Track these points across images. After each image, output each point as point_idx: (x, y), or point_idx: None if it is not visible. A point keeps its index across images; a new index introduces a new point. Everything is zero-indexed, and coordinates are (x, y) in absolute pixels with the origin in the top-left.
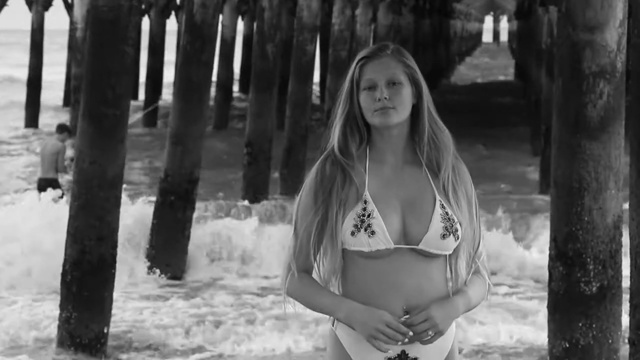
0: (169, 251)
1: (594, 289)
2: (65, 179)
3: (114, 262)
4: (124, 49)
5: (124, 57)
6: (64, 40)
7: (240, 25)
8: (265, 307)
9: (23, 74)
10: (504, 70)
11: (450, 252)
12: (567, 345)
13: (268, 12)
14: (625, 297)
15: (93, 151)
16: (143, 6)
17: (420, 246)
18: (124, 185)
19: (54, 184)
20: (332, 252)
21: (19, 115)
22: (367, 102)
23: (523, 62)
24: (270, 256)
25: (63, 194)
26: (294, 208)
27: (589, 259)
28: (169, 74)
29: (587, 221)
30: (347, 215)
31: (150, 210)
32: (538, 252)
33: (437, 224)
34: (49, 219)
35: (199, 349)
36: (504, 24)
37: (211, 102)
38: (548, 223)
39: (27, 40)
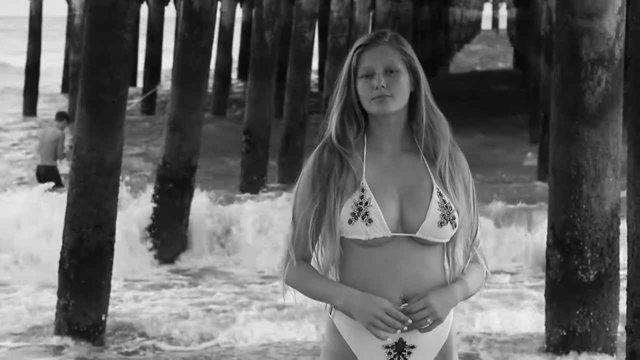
0: (167, 239)
1: (592, 276)
2: (65, 165)
3: (112, 249)
4: (122, 35)
5: (122, 44)
6: (62, 27)
7: (239, 12)
8: (266, 295)
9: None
10: (502, 57)
11: (448, 240)
12: (565, 333)
13: None
14: (623, 285)
15: (91, 138)
16: None
17: (418, 234)
18: (127, 178)
19: (52, 171)
20: (331, 240)
21: (14, 101)
22: (365, 90)
23: (522, 49)
24: (270, 244)
25: (61, 183)
26: (292, 196)
27: (586, 247)
28: (167, 61)
29: (585, 209)
30: (344, 203)
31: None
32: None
33: (434, 212)
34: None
35: (197, 337)
36: (503, 12)
37: (209, 90)
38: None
39: (26, 27)
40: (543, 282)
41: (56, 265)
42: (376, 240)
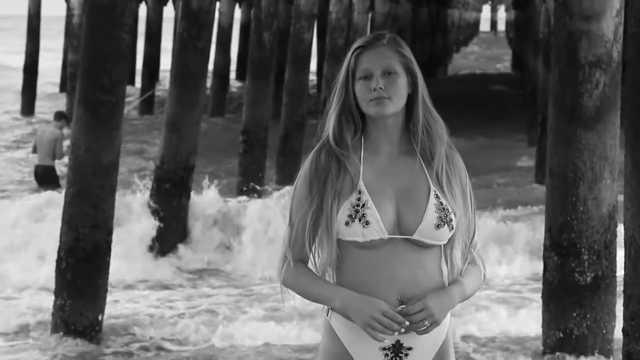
0: (164, 239)
1: (589, 279)
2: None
3: (109, 249)
4: (120, 35)
5: (120, 44)
6: (61, 26)
7: (238, 12)
8: (266, 296)
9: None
10: (501, 60)
11: (445, 242)
12: (561, 335)
13: None
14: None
15: (88, 138)
16: None
17: (415, 236)
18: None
19: (50, 171)
20: (328, 242)
21: (8, 99)
22: (363, 92)
23: (520, 51)
24: (270, 244)
25: (59, 184)
26: (289, 198)
27: (583, 249)
28: (166, 61)
29: (582, 211)
30: (341, 205)
31: None
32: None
33: (431, 214)
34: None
35: (196, 338)
36: (502, 14)
37: (208, 90)
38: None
39: (24, 25)
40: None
41: None
42: (373, 242)
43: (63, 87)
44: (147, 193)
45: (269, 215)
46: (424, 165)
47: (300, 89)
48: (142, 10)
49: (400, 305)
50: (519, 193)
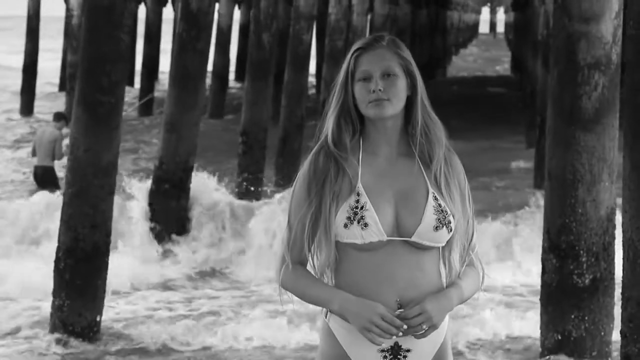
0: (163, 240)
1: (587, 281)
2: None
3: (108, 250)
4: (119, 36)
5: (119, 45)
6: (60, 26)
7: (237, 13)
8: (264, 298)
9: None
10: (500, 61)
11: (443, 244)
12: (560, 338)
13: (264, 0)
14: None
15: (87, 139)
16: None
17: (413, 238)
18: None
19: (50, 172)
20: (326, 244)
21: (7, 100)
22: (362, 94)
23: (519, 53)
24: (271, 247)
25: (58, 185)
26: (288, 200)
27: (582, 251)
28: (165, 62)
29: (581, 213)
30: (340, 207)
31: None
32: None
33: (429, 216)
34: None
35: (195, 339)
36: (501, 16)
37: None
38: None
39: (24, 26)
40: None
41: None
42: (372, 244)
43: (62, 87)
44: (145, 194)
45: (271, 216)
46: (422, 168)
47: (299, 90)
48: (142, 11)
49: (398, 308)
50: (517, 195)
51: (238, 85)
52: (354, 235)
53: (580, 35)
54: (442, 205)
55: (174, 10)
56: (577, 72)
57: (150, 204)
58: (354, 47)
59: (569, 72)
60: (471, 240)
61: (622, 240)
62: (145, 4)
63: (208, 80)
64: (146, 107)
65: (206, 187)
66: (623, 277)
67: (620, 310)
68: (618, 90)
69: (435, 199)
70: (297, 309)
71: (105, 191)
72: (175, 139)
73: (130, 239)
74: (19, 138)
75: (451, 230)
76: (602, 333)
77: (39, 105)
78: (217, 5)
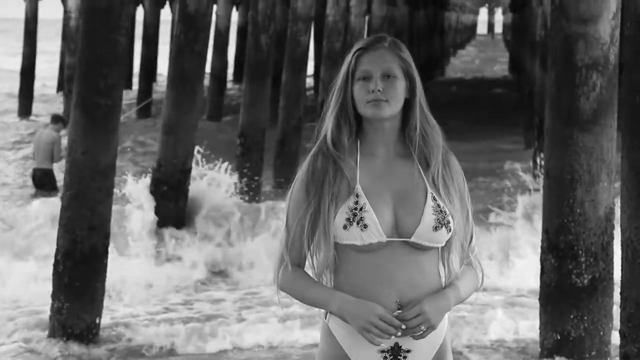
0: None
1: (586, 281)
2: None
3: (106, 252)
4: (116, 38)
5: (117, 47)
6: (59, 29)
7: (235, 15)
8: (267, 299)
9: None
10: (498, 62)
11: (443, 244)
12: (559, 337)
13: (262, 2)
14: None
15: (85, 141)
16: None
17: (413, 239)
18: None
19: (49, 174)
20: (325, 244)
21: (5, 102)
22: (361, 93)
23: (517, 54)
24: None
25: (56, 187)
26: (286, 201)
27: (580, 251)
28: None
29: (579, 213)
30: (339, 208)
31: None
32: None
33: (429, 216)
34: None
35: (196, 340)
36: (499, 16)
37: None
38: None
39: (22, 28)
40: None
41: None
42: (371, 245)
43: (60, 89)
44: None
45: (272, 217)
46: (420, 169)
47: (297, 92)
48: (140, 13)
49: (398, 309)
50: (515, 196)
51: (236, 86)
52: (354, 236)
53: (578, 36)
54: (441, 206)
55: (172, 12)
56: (575, 72)
57: (150, 206)
58: (355, 47)
59: (567, 72)
60: (470, 241)
61: (621, 240)
62: (143, 5)
63: (206, 82)
64: (145, 109)
65: (212, 187)
66: (622, 277)
67: (619, 310)
68: (616, 90)
69: (434, 199)
70: (300, 310)
71: (103, 193)
72: (173, 140)
73: (130, 240)
74: (18, 140)
75: (450, 230)
76: (601, 333)
77: (36, 107)
78: (214, 7)
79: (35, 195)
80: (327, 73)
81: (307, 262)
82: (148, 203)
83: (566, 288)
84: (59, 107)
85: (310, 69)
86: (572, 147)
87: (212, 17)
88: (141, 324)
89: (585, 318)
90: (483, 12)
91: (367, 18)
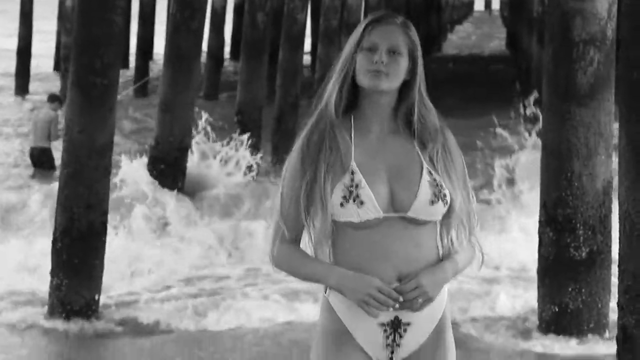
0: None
1: (584, 254)
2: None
3: (104, 229)
4: (112, 18)
5: (113, 27)
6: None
7: None
8: (273, 276)
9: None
10: (495, 38)
11: (440, 217)
12: (557, 310)
13: None
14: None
15: (82, 120)
16: None
17: (410, 213)
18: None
19: (46, 153)
20: (322, 213)
21: (2, 82)
22: (363, 63)
23: (514, 30)
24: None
25: (54, 166)
26: (282, 172)
27: (578, 224)
28: (160, 43)
29: (577, 186)
30: (335, 185)
31: None
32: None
33: (425, 191)
34: None
35: (198, 317)
36: None
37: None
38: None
39: (17, 8)
40: None
41: None
42: (368, 222)
43: (57, 68)
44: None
45: (274, 194)
46: (416, 146)
47: (294, 69)
48: None
49: (398, 282)
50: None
51: (234, 64)
52: (350, 214)
53: (575, 12)
54: (437, 179)
55: None
56: (572, 48)
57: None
58: (367, 19)
59: (564, 48)
60: (470, 220)
61: (619, 213)
62: None
63: (203, 60)
64: (142, 88)
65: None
66: (619, 249)
67: (617, 282)
68: (613, 65)
69: (430, 173)
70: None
71: (100, 172)
72: (170, 119)
73: (130, 219)
74: (14, 119)
75: (447, 204)
76: (599, 305)
77: (32, 85)
78: None
79: (33, 175)
80: (324, 50)
81: (304, 235)
82: (146, 181)
83: (564, 261)
84: (55, 85)
85: (307, 46)
86: (570, 122)
87: None
88: (142, 301)
89: (583, 291)
90: None
91: None
